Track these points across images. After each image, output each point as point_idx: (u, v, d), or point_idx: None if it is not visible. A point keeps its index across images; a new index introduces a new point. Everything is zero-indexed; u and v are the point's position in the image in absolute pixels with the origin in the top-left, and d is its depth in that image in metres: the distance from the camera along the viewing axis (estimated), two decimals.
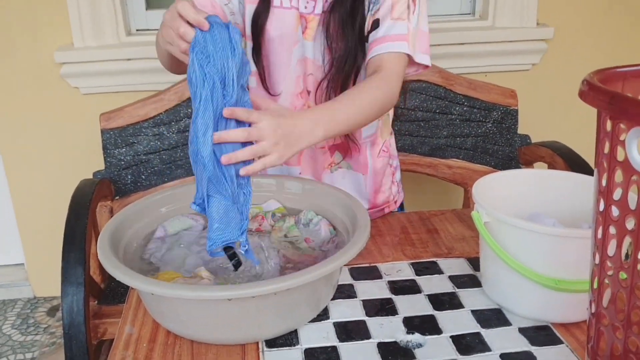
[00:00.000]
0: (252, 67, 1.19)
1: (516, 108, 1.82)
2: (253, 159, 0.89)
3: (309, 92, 1.18)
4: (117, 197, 1.72)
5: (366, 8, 1.11)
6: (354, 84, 1.12)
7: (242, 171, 0.88)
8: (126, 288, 1.02)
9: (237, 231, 0.86)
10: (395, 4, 1.09)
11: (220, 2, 1.13)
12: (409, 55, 1.10)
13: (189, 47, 0.87)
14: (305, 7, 1.12)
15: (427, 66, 1.15)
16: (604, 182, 0.64)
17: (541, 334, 0.88)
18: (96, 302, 1.53)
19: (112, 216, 1.66)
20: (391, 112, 1.31)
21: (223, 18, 0.92)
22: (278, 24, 1.13)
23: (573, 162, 1.62)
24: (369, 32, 1.11)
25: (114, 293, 1.59)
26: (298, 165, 1.24)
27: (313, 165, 1.24)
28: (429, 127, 1.82)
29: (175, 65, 1.09)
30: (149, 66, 1.96)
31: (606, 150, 0.62)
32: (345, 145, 1.22)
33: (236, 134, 0.87)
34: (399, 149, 1.80)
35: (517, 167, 1.83)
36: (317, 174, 1.25)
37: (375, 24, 1.10)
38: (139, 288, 0.83)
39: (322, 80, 1.14)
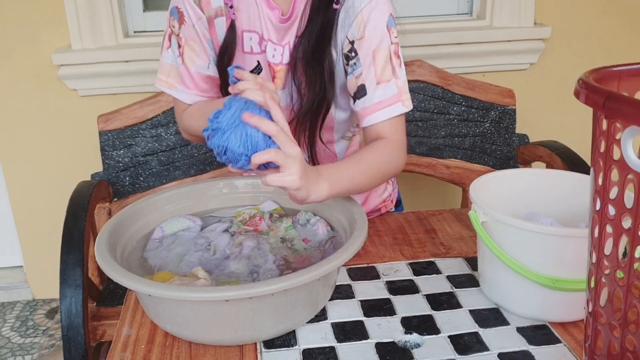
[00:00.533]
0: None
1: (514, 108, 1.82)
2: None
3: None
4: (115, 199, 1.72)
5: (342, 69, 1.08)
6: (322, 125, 1.10)
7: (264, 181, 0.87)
8: (125, 290, 1.02)
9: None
10: (377, 66, 1.05)
11: (203, 70, 1.11)
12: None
13: None
14: (273, 57, 1.09)
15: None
16: (600, 181, 0.64)
17: (539, 334, 0.88)
18: (95, 304, 1.53)
19: (110, 218, 1.66)
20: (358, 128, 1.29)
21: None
22: (250, 70, 1.10)
23: (571, 162, 1.62)
24: (355, 96, 1.07)
25: (112, 295, 1.59)
26: None
27: None
28: (426, 127, 1.83)
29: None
30: (147, 68, 1.96)
31: (602, 149, 0.62)
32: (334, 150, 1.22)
33: (269, 125, 0.85)
34: None
35: (515, 166, 1.83)
36: None
37: (362, 90, 1.06)
38: (136, 290, 0.83)
39: (290, 122, 1.10)
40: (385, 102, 1.06)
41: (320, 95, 1.07)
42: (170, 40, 1.11)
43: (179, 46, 1.10)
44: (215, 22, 1.08)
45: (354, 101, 1.08)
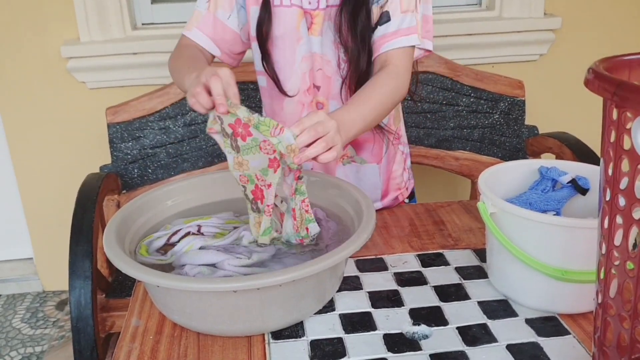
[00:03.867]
0: (259, 67, 1.20)
1: (523, 99, 1.81)
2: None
3: (317, 88, 1.18)
4: (124, 191, 1.72)
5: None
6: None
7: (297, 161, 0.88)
8: (133, 281, 1.02)
9: None
10: None
11: (224, 19, 1.16)
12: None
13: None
14: (310, 3, 1.12)
15: (430, 51, 1.16)
16: (610, 172, 0.63)
17: (548, 325, 0.88)
18: (104, 295, 1.54)
19: (117, 210, 1.67)
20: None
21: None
22: (279, 23, 1.13)
23: (581, 153, 1.61)
24: (376, 23, 1.10)
25: (121, 286, 1.60)
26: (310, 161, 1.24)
27: None
28: (435, 118, 1.82)
29: None
30: (155, 60, 1.96)
31: (612, 139, 0.62)
32: (357, 139, 1.22)
33: (317, 148, 0.88)
34: None
35: (524, 158, 1.82)
36: (329, 168, 1.25)
37: (385, 17, 1.09)
38: (144, 280, 0.83)
39: (342, 84, 1.15)
40: (405, 30, 1.10)
41: (365, 49, 1.10)
42: None
43: None
44: None
45: (374, 30, 1.11)
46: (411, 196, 1.40)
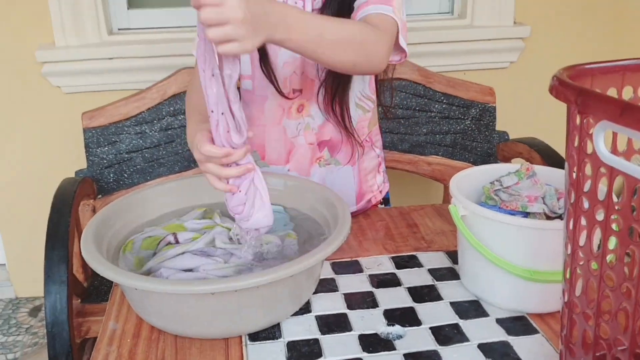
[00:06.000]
0: (245, 71, 1.20)
1: (494, 105, 1.85)
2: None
3: (300, 91, 1.19)
4: (99, 196, 1.72)
5: None
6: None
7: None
8: (109, 286, 1.03)
9: None
10: None
11: None
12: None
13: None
14: (295, 3, 1.12)
15: (405, 54, 1.11)
16: (574, 175, 0.66)
17: (517, 324, 0.90)
18: (79, 300, 1.53)
19: (94, 215, 1.66)
20: (374, 104, 1.32)
21: None
22: None
23: (550, 158, 1.65)
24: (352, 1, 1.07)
25: (97, 291, 1.59)
26: (287, 164, 1.26)
27: (302, 160, 1.26)
28: (409, 124, 1.85)
29: None
30: (131, 65, 1.97)
31: (576, 143, 0.65)
32: (331, 142, 1.24)
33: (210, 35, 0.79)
34: None
35: (495, 163, 1.86)
36: (306, 170, 1.27)
37: None
38: (121, 282, 0.84)
39: (320, 87, 1.15)
40: (379, 1, 1.04)
41: None
42: None
43: None
44: None
45: (352, 10, 1.06)
46: (386, 202, 1.42)
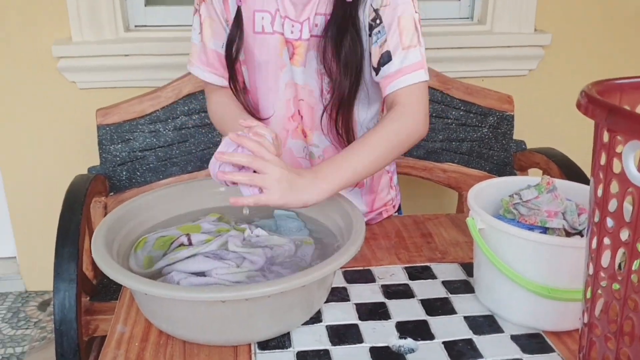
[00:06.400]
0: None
1: (512, 114, 1.82)
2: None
3: (302, 116, 1.17)
4: (111, 193, 1.71)
5: (366, 38, 1.08)
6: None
7: (232, 199, 0.90)
8: (118, 285, 1.01)
9: None
10: (402, 32, 1.05)
11: (217, 48, 1.15)
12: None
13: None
14: (292, 32, 1.10)
15: None
16: (599, 193, 0.64)
17: (533, 342, 0.88)
18: (88, 298, 1.53)
19: (106, 212, 1.66)
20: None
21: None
22: (263, 50, 1.11)
23: (567, 169, 1.63)
24: (379, 64, 1.07)
25: (106, 289, 1.59)
26: None
27: None
28: None
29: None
30: (147, 62, 1.96)
31: (602, 161, 0.62)
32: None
33: (241, 157, 0.89)
34: None
35: (512, 172, 1.84)
36: None
37: (386, 57, 1.06)
38: (132, 287, 0.83)
39: (324, 111, 1.13)
40: (409, 67, 1.05)
41: (356, 73, 1.08)
42: (193, 18, 1.16)
43: (200, 23, 1.14)
44: (229, 0, 1.11)
45: (378, 71, 1.07)
46: (398, 209, 1.40)
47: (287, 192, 0.90)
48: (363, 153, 1.00)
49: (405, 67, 1.05)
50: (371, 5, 1.07)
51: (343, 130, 1.13)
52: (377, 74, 1.08)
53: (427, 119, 1.08)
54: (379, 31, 1.06)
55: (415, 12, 1.07)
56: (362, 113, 1.18)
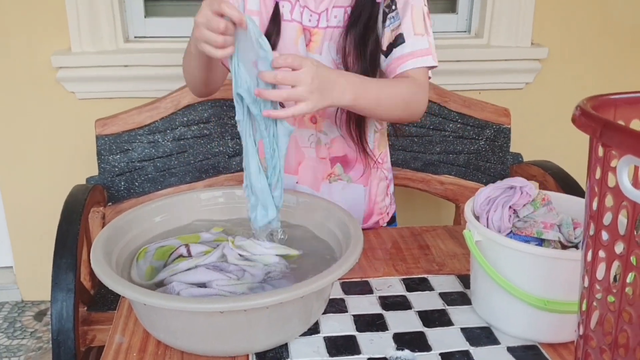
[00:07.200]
0: None
1: (509, 126, 1.84)
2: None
3: None
4: (109, 204, 1.72)
5: (380, 22, 1.13)
6: None
7: (265, 113, 0.93)
8: (116, 295, 1.01)
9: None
10: (414, 19, 1.12)
11: None
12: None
13: (230, 40, 0.92)
14: (309, 21, 1.14)
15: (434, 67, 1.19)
16: (594, 207, 0.65)
17: (529, 354, 0.89)
18: (86, 308, 1.53)
19: (104, 222, 1.66)
20: (385, 125, 1.32)
21: None
22: (279, 37, 1.15)
23: (564, 182, 1.64)
24: (391, 45, 1.13)
25: (103, 300, 1.59)
26: (296, 174, 1.25)
27: (312, 174, 1.25)
28: (422, 142, 1.84)
29: (205, 76, 1.13)
30: (146, 73, 1.97)
31: (597, 175, 0.63)
32: (346, 158, 1.23)
33: (277, 93, 0.92)
34: (392, 163, 1.81)
35: None
36: (315, 184, 1.26)
37: (400, 39, 1.12)
38: (131, 298, 0.83)
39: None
40: (419, 52, 1.12)
41: (371, 63, 1.12)
42: None
43: None
44: None
45: (388, 53, 1.13)
46: (391, 220, 1.41)
47: (317, 98, 0.94)
48: (390, 90, 1.06)
49: (417, 51, 1.12)
50: None
51: (354, 123, 1.17)
52: (386, 57, 1.13)
53: (425, 107, 1.15)
54: (393, 17, 1.13)
55: (425, 4, 1.14)
56: None
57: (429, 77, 1.16)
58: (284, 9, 1.14)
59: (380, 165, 1.31)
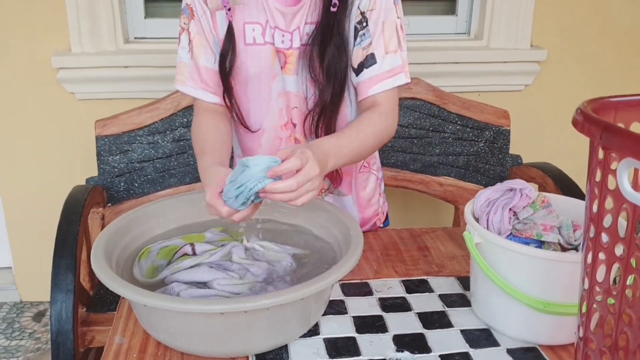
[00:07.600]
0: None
1: (508, 128, 1.84)
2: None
3: (294, 125, 1.18)
4: (109, 204, 1.72)
5: (351, 41, 1.11)
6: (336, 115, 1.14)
7: (283, 198, 0.89)
8: (115, 296, 1.02)
9: None
10: (386, 36, 1.10)
11: (209, 65, 1.14)
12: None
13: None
14: (282, 42, 1.11)
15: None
16: (594, 209, 0.65)
17: (529, 356, 0.89)
18: (85, 309, 1.53)
19: (104, 223, 1.66)
20: None
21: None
22: (254, 62, 1.12)
23: (563, 184, 1.64)
24: (362, 65, 1.11)
25: (102, 300, 1.58)
26: None
27: None
28: (421, 144, 1.84)
29: None
30: (146, 74, 1.97)
31: (597, 178, 0.63)
32: (334, 174, 1.23)
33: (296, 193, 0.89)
34: (392, 165, 1.82)
35: None
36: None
37: (370, 59, 1.10)
38: (131, 299, 0.83)
39: (308, 115, 1.14)
40: (391, 72, 1.11)
41: (340, 80, 1.10)
42: (181, 38, 1.15)
43: (189, 41, 1.14)
44: (216, 15, 1.11)
45: (359, 72, 1.12)
46: (384, 218, 1.40)
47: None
48: (360, 142, 1.07)
49: (388, 71, 1.11)
50: (358, 7, 1.09)
51: (323, 135, 1.14)
52: (357, 75, 1.12)
53: (395, 129, 1.16)
54: (364, 34, 1.10)
55: (398, 17, 1.12)
56: (351, 115, 1.20)
57: (409, 82, 1.14)
58: (255, 33, 1.11)
59: (370, 169, 1.30)
